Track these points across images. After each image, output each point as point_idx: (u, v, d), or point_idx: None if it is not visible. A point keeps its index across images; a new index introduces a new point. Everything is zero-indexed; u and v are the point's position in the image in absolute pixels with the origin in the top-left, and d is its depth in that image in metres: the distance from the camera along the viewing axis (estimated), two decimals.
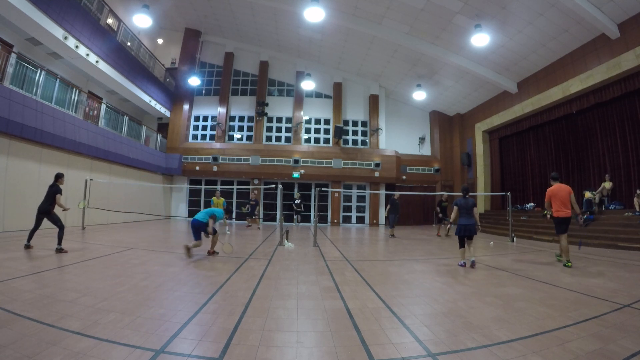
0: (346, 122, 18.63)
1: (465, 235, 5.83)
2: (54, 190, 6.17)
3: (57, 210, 6.27)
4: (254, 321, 2.91)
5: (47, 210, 6.10)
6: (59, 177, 6.42)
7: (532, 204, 13.60)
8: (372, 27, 12.98)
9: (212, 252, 6.37)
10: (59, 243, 5.93)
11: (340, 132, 17.35)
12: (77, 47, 10.55)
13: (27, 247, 6.07)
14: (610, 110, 10.77)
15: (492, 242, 9.35)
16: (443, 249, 8.35)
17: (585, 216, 9.92)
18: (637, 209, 8.77)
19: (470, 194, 6.60)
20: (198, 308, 3.19)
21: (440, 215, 12.20)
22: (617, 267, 5.75)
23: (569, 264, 5.74)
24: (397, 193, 12.97)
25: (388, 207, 11.72)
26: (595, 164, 11.37)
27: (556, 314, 3.18)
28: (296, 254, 6.91)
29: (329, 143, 18.27)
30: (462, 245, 5.89)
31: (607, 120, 10.91)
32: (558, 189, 6.12)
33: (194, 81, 16.67)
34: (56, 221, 6.12)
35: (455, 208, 5.99)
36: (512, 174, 15.44)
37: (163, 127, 17.96)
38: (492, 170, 16.40)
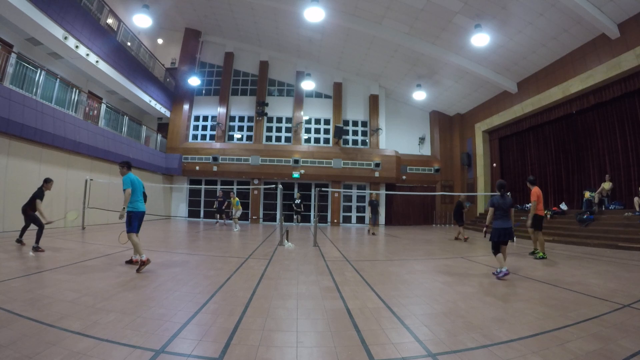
0: (346, 122, 18.63)
1: (502, 241, 4.97)
2: (35, 195, 6.11)
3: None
4: (254, 321, 2.90)
5: (24, 209, 6.10)
6: (46, 182, 6.26)
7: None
8: (372, 27, 12.98)
9: (137, 262, 4.83)
10: (37, 242, 5.86)
11: (340, 132, 17.35)
12: (77, 47, 10.55)
13: (19, 242, 6.19)
14: (610, 110, 10.77)
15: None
16: (443, 249, 8.35)
17: (585, 216, 9.94)
18: (637, 209, 8.76)
19: (470, 194, 6.61)
20: (198, 308, 3.19)
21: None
22: (617, 267, 5.75)
23: (545, 255, 6.62)
24: (373, 193, 13.55)
25: (369, 208, 12.64)
26: (595, 164, 11.37)
27: (556, 314, 3.18)
28: (296, 254, 6.91)
29: (329, 143, 18.27)
30: (497, 252, 4.96)
31: (607, 120, 10.91)
32: (540, 191, 6.88)
33: (194, 81, 16.67)
34: (34, 219, 6.03)
35: (491, 209, 5.06)
36: (512, 174, 15.44)
37: (163, 127, 17.97)
38: (492, 170, 16.40)
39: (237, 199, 12.78)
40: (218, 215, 14.98)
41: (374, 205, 12.65)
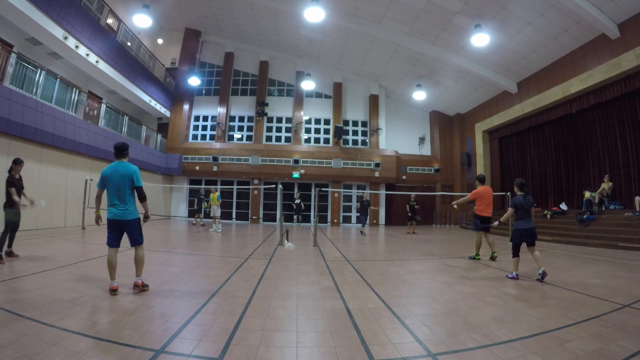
0: (346, 122, 18.63)
1: (524, 242, 4.77)
2: (6, 182, 5.03)
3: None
4: (254, 321, 2.90)
5: (2, 205, 5.13)
6: (15, 163, 5.12)
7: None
8: (372, 27, 12.98)
9: (142, 286, 3.73)
10: None
11: (340, 132, 17.35)
12: (77, 47, 10.55)
13: (9, 253, 5.18)
14: (610, 110, 10.77)
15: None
16: (443, 249, 8.35)
17: (585, 216, 9.94)
18: (637, 209, 8.76)
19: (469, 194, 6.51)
20: (198, 308, 3.19)
21: (409, 214, 12.99)
22: (617, 267, 5.75)
23: (495, 254, 6.49)
24: (366, 193, 13.66)
25: (358, 206, 12.62)
26: (595, 164, 11.37)
27: (556, 314, 3.18)
28: (296, 254, 6.91)
29: (329, 143, 18.27)
30: (516, 254, 4.81)
31: (607, 120, 10.91)
32: (484, 191, 6.62)
33: (194, 81, 16.67)
34: (4, 220, 5.04)
35: (510, 209, 4.83)
36: (512, 174, 15.40)
37: (163, 127, 17.97)
38: (492, 171, 16.39)
39: (217, 193, 11.98)
40: (197, 215, 14.01)
41: (365, 205, 12.16)
